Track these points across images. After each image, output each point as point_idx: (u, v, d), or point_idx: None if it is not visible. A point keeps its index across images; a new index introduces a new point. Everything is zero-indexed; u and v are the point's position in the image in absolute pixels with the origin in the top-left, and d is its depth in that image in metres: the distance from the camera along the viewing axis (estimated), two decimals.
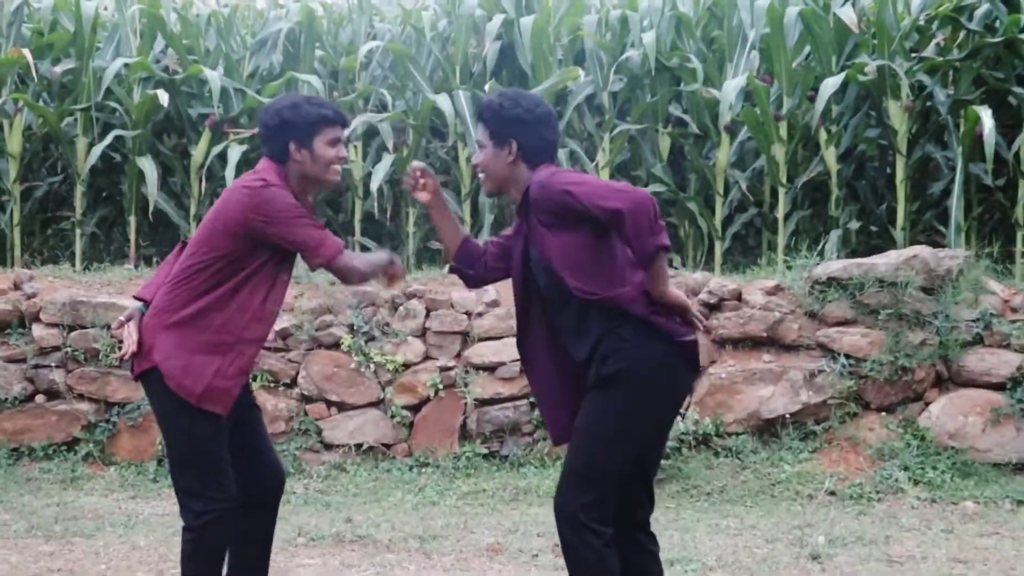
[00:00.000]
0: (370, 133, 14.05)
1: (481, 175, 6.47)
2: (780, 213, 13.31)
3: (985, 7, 13.18)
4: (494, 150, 6.33)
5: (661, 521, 10.08)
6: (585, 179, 6.24)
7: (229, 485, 6.52)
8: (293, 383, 11.95)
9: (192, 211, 14.05)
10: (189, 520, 6.44)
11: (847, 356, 11.49)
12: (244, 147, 13.70)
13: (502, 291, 12.14)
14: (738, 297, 11.82)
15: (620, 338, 6.06)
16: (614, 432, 6.08)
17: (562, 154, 13.60)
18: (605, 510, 6.11)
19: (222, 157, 13.69)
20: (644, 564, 6.40)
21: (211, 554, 6.53)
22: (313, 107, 6.55)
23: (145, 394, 6.69)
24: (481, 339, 12.00)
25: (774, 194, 13.41)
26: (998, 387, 11.31)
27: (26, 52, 13.55)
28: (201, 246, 6.44)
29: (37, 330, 12.07)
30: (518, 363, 11.70)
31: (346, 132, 6.65)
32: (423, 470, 11.62)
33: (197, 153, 14.04)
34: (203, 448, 6.44)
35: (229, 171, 13.39)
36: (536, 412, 11.71)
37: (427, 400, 11.89)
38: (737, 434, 11.47)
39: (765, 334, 11.66)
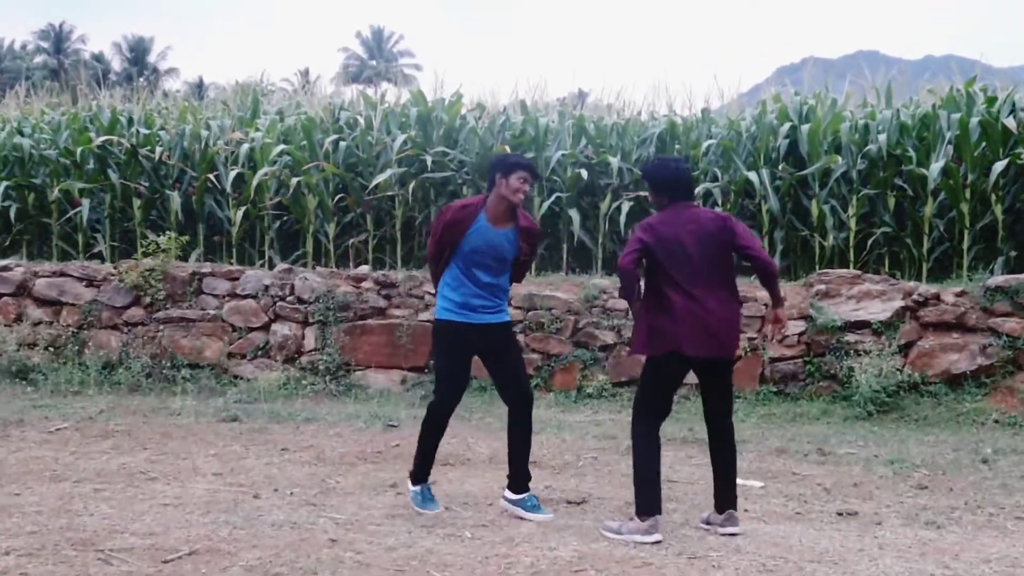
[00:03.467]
0: (706, 195, 14.04)
1: None
2: (965, 245, 12.84)
3: None
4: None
5: (885, 436, 10.02)
6: None
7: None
8: None
9: (599, 241, 14.21)
10: None
11: (1007, 335, 11.13)
12: (631, 203, 13.78)
13: (788, 292, 12.06)
14: (937, 297, 11.48)
15: None
16: None
17: (825, 208, 13.49)
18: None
19: (618, 209, 13.82)
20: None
21: None
22: (514, 158, 6.63)
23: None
24: None
25: (961, 233, 13.00)
26: None
27: (507, 148, 13.97)
28: None
29: (511, 311, 12.41)
30: (797, 335, 11.69)
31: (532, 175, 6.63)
32: (737, 401, 11.54)
33: (603, 207, 14.16)
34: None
35: (622, 217, 13.58)
36: (807, 366, 11.63)
37: (740, 358, 11.83)
38: (935, 383, 11.17)
39: (954, 320, 11.35)
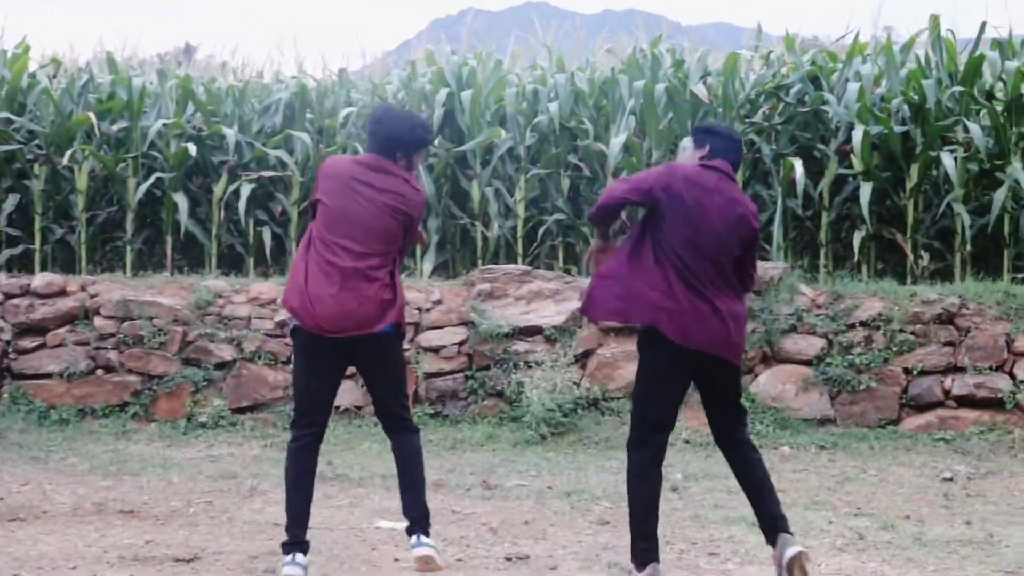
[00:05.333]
0: None
1: None
2: None
3: (798, 86, 13.47)
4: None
5: (561, 463, 10.26)
6: None
7: None
8: (288, 360, 11.71)
9: (213, 233, 14.02)
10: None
11: None
12: (253, 185, 13.69)
13: (446, 292, 12.25)
14: None
15: None
16: None
17: (488, 192, 13.79)
18: None
19: (236, 193, 13.63)
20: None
21: None
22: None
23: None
24: (428, 328, 12.02)
25: None
26: (807, 363, 11.60)
27: (91, 115, 13.58)
28: None
29: (98, 321, 12.08)
30: (456, 345, 11.87)
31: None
32: None
33: (218, 190, 13.98)
34: None
35: (241, 203, 13.40)
36: (468, 382, 11.85)
37: None
38: (618, 398, 11.56)
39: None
